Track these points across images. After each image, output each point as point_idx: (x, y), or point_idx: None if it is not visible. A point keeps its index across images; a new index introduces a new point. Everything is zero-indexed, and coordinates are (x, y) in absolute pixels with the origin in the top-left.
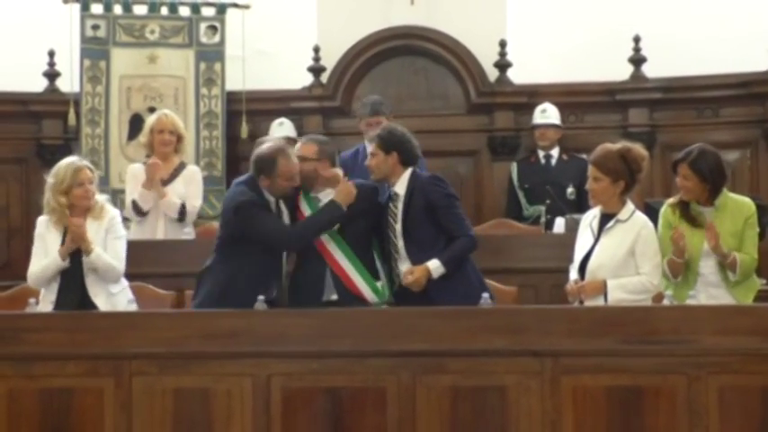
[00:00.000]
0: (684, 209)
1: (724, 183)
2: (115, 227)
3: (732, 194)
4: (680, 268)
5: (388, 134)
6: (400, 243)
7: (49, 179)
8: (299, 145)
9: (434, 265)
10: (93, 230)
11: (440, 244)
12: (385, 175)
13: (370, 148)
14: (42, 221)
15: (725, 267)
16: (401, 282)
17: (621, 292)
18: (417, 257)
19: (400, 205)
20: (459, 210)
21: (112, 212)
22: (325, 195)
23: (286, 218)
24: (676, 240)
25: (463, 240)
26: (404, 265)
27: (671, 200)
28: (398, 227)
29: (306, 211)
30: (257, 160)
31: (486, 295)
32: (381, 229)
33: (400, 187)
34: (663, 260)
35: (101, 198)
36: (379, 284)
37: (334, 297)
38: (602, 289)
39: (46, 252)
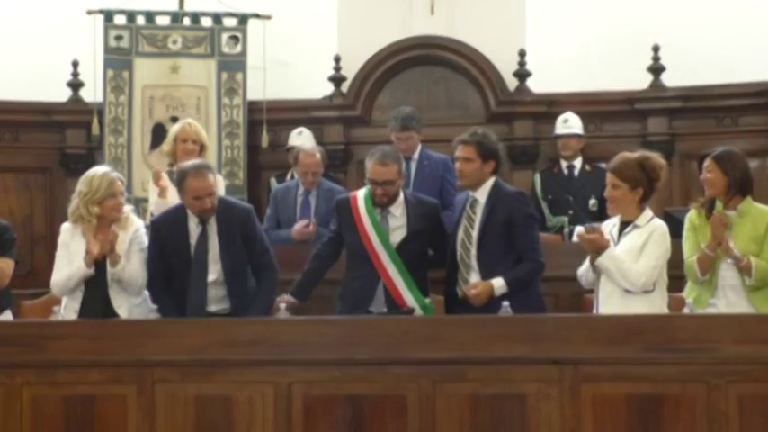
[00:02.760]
0: (710, 212)
1: (748, 184)
2: (139, 238)
3: (757, 204)
4: (709, 264)
5: (488, 140)
6: (473, 251)
7: (81, 188)
8: (381, 168)
9: (498, 284)
10: (118, 240)
11: (509, 259)
12: (476, 183)
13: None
14: (67, 229)
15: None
16: (463, 291)
17: (612, 262)
18: (487, 267)
19: (479, 212)
20: (536, 232)
21: (137, 223)
22: (396, 207)
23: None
24: (717, 225)
25: (531, 264)
26: (470, 273)
27: (696, 203)
28: (475, 234)
29: (363, 212)
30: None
31: (505, 303)
32: (441, 238)
33: (481, 194)
34: (691, 259)
35: (126, 208)
36: (427, 301)
37: (384, 311)
38: (604, 248)
39: (70, 260)
